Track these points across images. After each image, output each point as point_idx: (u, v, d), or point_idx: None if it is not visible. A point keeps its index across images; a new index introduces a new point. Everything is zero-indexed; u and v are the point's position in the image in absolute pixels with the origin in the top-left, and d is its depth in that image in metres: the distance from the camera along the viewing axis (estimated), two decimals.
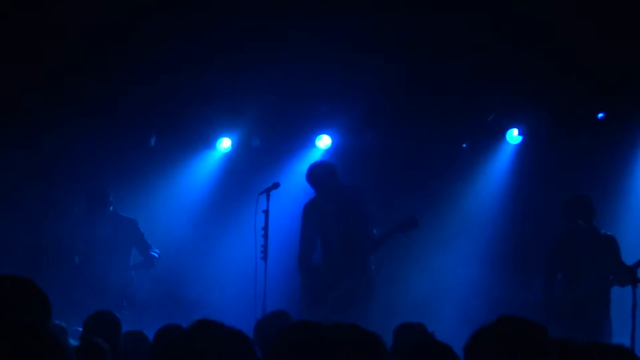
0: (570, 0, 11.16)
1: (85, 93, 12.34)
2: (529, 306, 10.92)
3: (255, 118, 13.00)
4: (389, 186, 12.92)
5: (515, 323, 4.01)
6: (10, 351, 2.86)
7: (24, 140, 12.66)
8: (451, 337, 5.51)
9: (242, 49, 11.90)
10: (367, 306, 10.84)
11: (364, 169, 12.94)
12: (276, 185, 11.03)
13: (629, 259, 10.85)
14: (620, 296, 11.00)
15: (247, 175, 13.14)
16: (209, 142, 13.44)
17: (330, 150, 13.10)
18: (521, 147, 13.11)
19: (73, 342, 6.42)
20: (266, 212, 10.82)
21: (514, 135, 13.00)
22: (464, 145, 13.31)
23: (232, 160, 13.57)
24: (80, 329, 7.12)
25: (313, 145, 13.19)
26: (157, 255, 11.85)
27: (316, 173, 11.07)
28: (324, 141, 13.15)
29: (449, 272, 12.75)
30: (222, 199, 13.54)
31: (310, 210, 11.19)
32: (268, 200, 10.87)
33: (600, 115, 12.45)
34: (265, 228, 10.80)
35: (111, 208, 11.84)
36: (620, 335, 10.27)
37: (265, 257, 10.74)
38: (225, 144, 13.41)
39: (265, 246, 10.77)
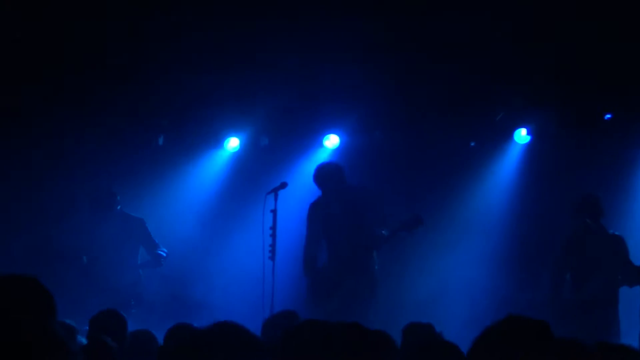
0: (579, 1, 11.14)
1: (93, 93, 12.35)
2: (537, 306, 10.91)
3: (263, 117, 13.00)
4: (396, 185, 12.91)
5: (520, 322, 4.00)
6: (14, 351, 2.86)
7: (31, 140, 12.67)
8: (459, 337, 5.51)
9: (250, 48, 11.90)
10: (371, 305, 10.88)
11: (372, 168, 12.93)
12: (284, 185, 11.04)
13: (637, 258, 10.85)
14: (629, 296, 11.00)
15: (255, 175, 13.15)
16: (217, 141, 13.44)
17: (338, 150, 13.10)
18: (529, 146, 13.09)
19: (84, 341, 6.45)
20: (274, 211, 10.83)
21: (522, 135, 12.98)
22: (472, 144, 13.29)
23: (240, 159, 13.57)
24: None
25: (321, 145, 13.19)
26: (164, 255, 11.87)
27: (323, 174, 11.11)
28: (331, 141, 13.15)
29: (456, 272, 12.74)
30: (230, 198, 13.54)
31: (315, 210, 11.22)
32: (276, 199, 10.87)
33: (607, 116, 12.43)
34: (273, 228, 10.81)
35: (118, 207, 11.85)
36: (628, 336, 10.27)
37: (273, 257, 10.74)
38: (233, 143, 13.40)
39: (273, 246, 10.78)
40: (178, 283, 12.89)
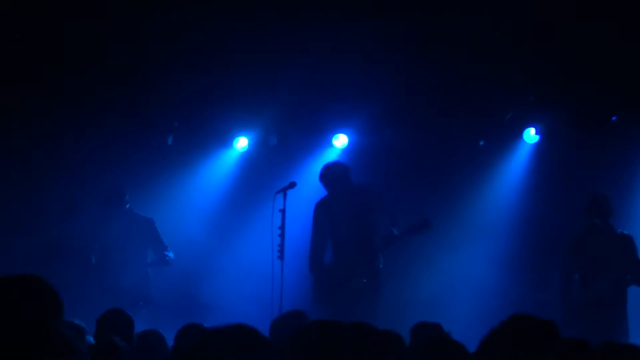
0: (590, 2, 11.13)
1: (103, 92, 12.37)
2: (546, 306, 10.90)
3: (272, 117, 13.00)
4: (406, 184, 12.90)
5: (525, 322, 4.01)
6: (18, 351, 2.87)
7: (40, 140, 12.69)
8: (468, 337, 5.52)
9: (260, 48, 11.90)
10: (376, 304, 10.91)
11: (381, 167, 12.93)
12: (293, 185, 11.05)
13: None
14: (637, 296, 10.98)
15: (264, 175, 13.15)
16: (226, 141, 13.45)
17: (347, 149, 13.10)
18: (538, 146, 13.07)
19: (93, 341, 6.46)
20: (283, 211, 10.84)
21: (531, 135, 12.96)
22: (481, 143, 13.26)
23: (249, 159, 13.58)
24: None
25: (330, 144, 13.19)
26: (171, 258, 11.85)
27: (329, 173, 11.15)
28: (340, 140, 13.15)
29: (465, 272, 12.73)
30: (239, 198, 13.55)
31: (321, 210, 11.24)
32: (285, 199, 10.88)
33: (614, 118, 12.42)
34: (282, 227, 10.82)
35: (127, 206, 11.86)
36: (637, 335, 10.25)
37: (282, 257, 10.76)
38: (242, 142, 13.41)
39: (282, 245, 10.79)
40: (187, 282, 12.90)
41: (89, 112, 12.45)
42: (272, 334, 6.96)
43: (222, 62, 12.06)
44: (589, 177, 12.33)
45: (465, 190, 13.05)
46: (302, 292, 11.39)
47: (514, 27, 11.38)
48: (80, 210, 12.44)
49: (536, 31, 11.35)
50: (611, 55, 11.40)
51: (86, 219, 12.14)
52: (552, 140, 12.94)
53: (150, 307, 11.49)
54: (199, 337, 4.00)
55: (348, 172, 11.17)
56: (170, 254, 11.86)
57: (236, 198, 13.57)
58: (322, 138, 13.25)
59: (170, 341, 6.75)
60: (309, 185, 12.03)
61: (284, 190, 10.96)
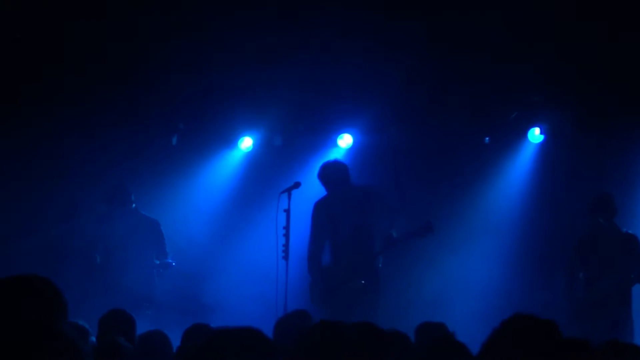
0: (596, 2, 11.11)
1: (107, 91, 12.37)
2: (551, 306, 10.89)
3: (277, 117, 13.00)
4: (410, 184, 12.90)
5: (527, 322, 4.00)
6: (19, 351, 2.87)
7: (40, 140, 12.70)
8: (473, 338, 5.51)
9: (264, 48, 11.90)
10: (376, 305, 10.89)
11: (385, 167, 12.93)
12: (297, 185, 11.04)
13: None
14: None
15: (269, 175, 13.15)
16: (230, 141, 13.46)
17: (351, 149, 13.10)
18: (543, 146, 13.07)
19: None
20: (287, 211, 10.82)
21: (535, 134, 12.95)
22: (486, 140, 13.23)
23: (254, 159, 13.58)
24: None
25: (335, 144, 13.19)
26: (172, 265, 11.85)
27: (328, 172, 11.13)
28: (345, 140, 13.15)
29: (468, 272, 12.73)
30: (244, 198, 13.55)
31: (320, 209, 11.23)
32: (289, 199, 10.87)
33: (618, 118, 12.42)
34: (287, 227, 10.81)
35: (133, 206, 11.87)
36: None
37: (286, 257, 10.75)
38: (247, 142, 13.41)
39: (286, 245, 10.78)
40: (191, 283, 12.90)
41: (89, 112, 12.44)
42: (277, 333, 6.96)
43: (225, 61, 12.05)
44: (594, 177, 12.32)
45: (470, 190, 13.05)
46: (307, 293, 11.39)
47: (519, 26, 11.37)
48: (80, 210, 12.43)
49: (542, 31, 11.35)
50: (617, 56, 11.39)
51: (89, 218, 12.15)
52: (557, 140, 12.93)
53: (155, 307, 11.49)
54: (204, 337, 4.00)
55: (347, 171, 11.15)
56: (171, 262, 11.86)
57: (241, 198, 13.57)
58: (327, 138, 13.25)
59: (174, 342, 6.76)
60: (313, 185, 12.02)
61: (288, 191, 10.95)
